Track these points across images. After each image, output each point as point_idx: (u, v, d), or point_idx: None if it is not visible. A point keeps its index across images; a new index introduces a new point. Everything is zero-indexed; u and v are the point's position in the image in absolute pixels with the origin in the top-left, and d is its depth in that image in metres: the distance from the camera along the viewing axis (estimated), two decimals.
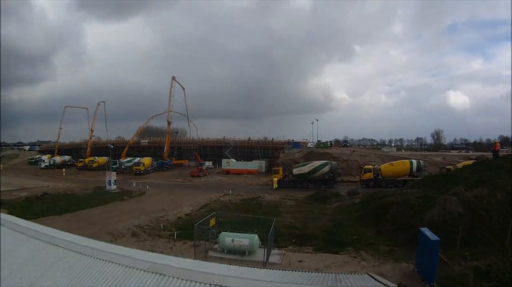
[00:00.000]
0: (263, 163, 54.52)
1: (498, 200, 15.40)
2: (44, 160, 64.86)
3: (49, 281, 6.05)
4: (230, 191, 33.00)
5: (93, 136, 69.80)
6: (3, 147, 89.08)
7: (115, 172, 38.03)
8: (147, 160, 56.46)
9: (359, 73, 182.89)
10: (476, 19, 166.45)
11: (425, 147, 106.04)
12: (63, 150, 71.93)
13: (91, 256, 6.44)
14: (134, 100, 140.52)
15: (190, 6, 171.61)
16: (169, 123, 62.87)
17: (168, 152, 61.17)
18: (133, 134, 67.77)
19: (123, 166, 55.16)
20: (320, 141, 65.84)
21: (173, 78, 61.72)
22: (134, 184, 38.24)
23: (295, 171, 37.11)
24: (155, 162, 58.87)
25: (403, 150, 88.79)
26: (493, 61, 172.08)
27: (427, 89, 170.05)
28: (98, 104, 68.12)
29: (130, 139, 67.18)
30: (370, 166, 36.98)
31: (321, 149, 54.96)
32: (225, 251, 14.71)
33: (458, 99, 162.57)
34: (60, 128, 73.27)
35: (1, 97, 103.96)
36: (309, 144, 65.40)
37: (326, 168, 36.43)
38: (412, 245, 13.19)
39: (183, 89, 64.26)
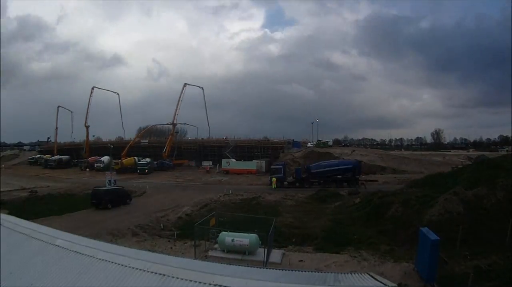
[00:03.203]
0: (263, 163, 54.52)
1: (498, 200, 15.41)
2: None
3: (49, 281, 6.04)
4: (230, 191, 32.99)
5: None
6: (3, 147, 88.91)
7: (115, 172, 38.04)
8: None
9: None
10: None
11: (425, 146, 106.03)
12: (63, 150, 71.87)
13: (91, 256, 6.42)
14: None
15: None
16: (174, 125, 62.93)
17: (168, 152, 61.13)
18: (130, 133, 67.90)
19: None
20: (320, 140, 65.79)
21: (185, 84, 62.68)
22: (134, 184, 38.26)
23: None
24: (155, 162, 58.79)
25: (402, 150, 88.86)
26: None
27: None
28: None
29: (129, 139, 67.17)
30: None
31: (321, 149, 54.96)
32: (225, 250, 14.68)
33: None
34: (56, 128, 73.26)
35: (0, 96, 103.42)
36: (309, 143, 65.30)
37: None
38: (413, 245, 13.18)
39: (202, 88, 65.40)
